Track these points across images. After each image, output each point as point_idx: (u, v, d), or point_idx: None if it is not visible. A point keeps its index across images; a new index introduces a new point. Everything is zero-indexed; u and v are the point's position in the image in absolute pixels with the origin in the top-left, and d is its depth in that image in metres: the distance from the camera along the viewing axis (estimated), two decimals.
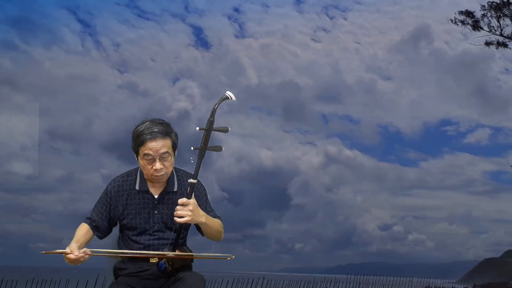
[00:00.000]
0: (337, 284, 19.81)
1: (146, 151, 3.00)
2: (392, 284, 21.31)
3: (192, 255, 3.10)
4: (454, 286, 30.23)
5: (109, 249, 3.14)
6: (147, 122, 3.06)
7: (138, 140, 3.02)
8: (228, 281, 14.58)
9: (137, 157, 3.08)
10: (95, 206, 3.18)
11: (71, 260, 2.89)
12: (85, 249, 2.93)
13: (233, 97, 2.99)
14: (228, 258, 3.03)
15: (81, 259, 2.90)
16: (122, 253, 3.11)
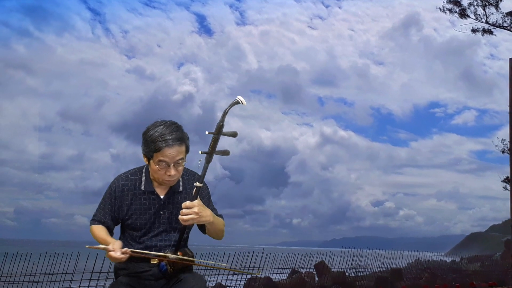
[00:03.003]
0: (332, 257, 19.88)
1: (162, 158, 2.87)
2: (384, 257, 21.41)
3: (194, 261, 2.99)
4: (442, 258, 30.38)
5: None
6: (161, 126, 2.91)
7: (153, 146, 2.87)
8: (230, 254, 14.63)
9: (149, 161, 2.95)
10: (99, 206, 3.05)
11: (113, 258, 2.78)
12: (126, 248, 2.82)
13: (244, 102, 2.83)
14: (229, 269, 2.91)
15: (123, 258, 2.79)
16: (145, 253, 2.94)
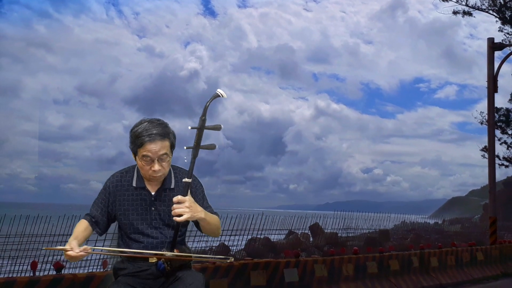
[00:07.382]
0: (326, 220, 20.01)
1: (144, 153, 2.76)
2: (373, 219, 21.55)
3: (191, 257, 2.83)
4: (426, 221, 30.58)
5: (108, 246, 2.85)
6: (145, 122, 2.81)
7: (136, 142, 2.78)
8: (232, 216, 14.68)
9: (135, 157, 2.84)
10: (94, 201, 2.93)
11: (70, 257, 2.67)
12: (85, 246, 2.72)
13: (225, 95, 2.69)
14: (228, 261, 2.68)
15: (80, 256, 2.69)
16: (121, 251, 2.87)
